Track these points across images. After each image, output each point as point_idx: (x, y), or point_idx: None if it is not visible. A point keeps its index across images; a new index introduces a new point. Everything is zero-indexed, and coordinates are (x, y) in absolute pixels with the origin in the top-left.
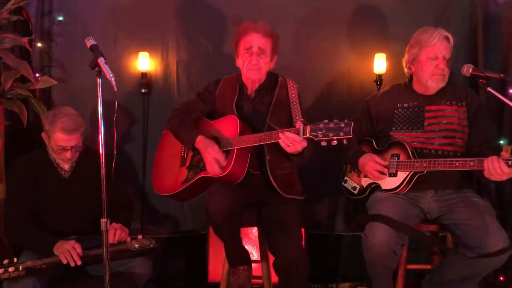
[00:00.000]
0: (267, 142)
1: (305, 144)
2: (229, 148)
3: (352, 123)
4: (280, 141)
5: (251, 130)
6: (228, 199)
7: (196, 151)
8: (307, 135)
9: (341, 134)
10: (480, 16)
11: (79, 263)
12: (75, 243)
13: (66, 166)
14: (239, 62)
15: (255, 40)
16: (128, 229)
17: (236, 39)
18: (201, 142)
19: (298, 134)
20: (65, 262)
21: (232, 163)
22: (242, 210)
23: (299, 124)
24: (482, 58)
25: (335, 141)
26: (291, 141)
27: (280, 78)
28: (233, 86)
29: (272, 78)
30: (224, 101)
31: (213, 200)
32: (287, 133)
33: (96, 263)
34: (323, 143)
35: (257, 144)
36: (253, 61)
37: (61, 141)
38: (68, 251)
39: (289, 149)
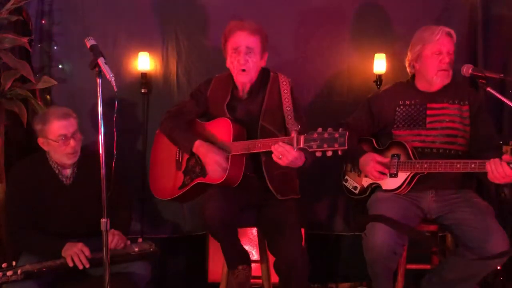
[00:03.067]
0: (261, 151)
1: (296, 154)
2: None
3: (347, 132)
4: (273, 155)
5: (245, 131)
6: (224, 204)
7: (193, 155)
8: (301, 146)
9: (336, 145)
10: (480, 16)
11: (87, 266)
12: (83, 246)
13: (67, 172)
14: (229, 64)
15: (242, 39)
16: (126, 230)
17: (224, 40)
18: (200, 147)
19: (291, 144)
20: (71, 264)
21: (229, 167)
22: (239, 214)
23: (293, 134)
24: (482, 58)
25: (330, 152)
26: (282, 152)
27: (272, 73)
28: (225, 86)
29: (263, 75)
30: (217, 101)
31: (210, 206)
32: (281, 143)
33: (99, 266)
34: (318, 154)
35: (250, 152)
36: (241, 60)
37: (60, 128)
38: (77, 254)
39: (281, 162)
